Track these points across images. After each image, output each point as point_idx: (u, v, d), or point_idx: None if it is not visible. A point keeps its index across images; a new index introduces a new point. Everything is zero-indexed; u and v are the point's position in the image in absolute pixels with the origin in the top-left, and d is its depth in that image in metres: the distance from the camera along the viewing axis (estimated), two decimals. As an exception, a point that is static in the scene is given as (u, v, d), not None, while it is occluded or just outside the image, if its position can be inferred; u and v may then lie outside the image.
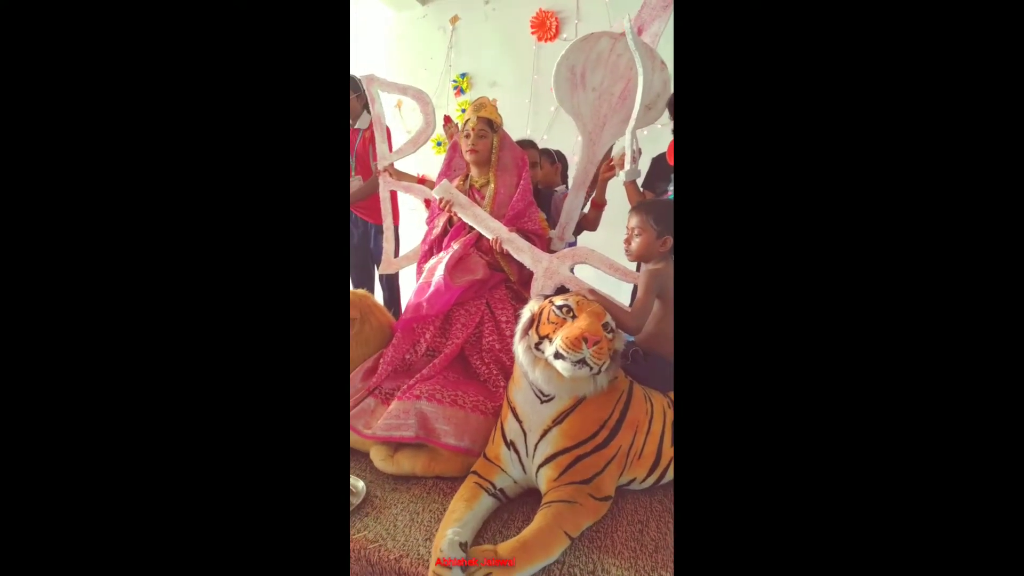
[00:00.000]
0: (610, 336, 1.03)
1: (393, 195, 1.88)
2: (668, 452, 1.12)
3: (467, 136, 1.62)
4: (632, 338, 1.24)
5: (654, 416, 1.12)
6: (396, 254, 1.90)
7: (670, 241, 1.18)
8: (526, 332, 1.06)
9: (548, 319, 1.04)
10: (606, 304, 1.08)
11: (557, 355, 0.98)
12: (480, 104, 1.65)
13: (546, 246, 1.65)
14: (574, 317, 1.01)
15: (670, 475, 1.14)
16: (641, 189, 1.67)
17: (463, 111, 3.33)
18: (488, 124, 1.62)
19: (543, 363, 1.02)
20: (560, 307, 1.03)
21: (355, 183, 2.24)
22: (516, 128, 3.22)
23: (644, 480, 1.12)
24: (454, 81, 3.32)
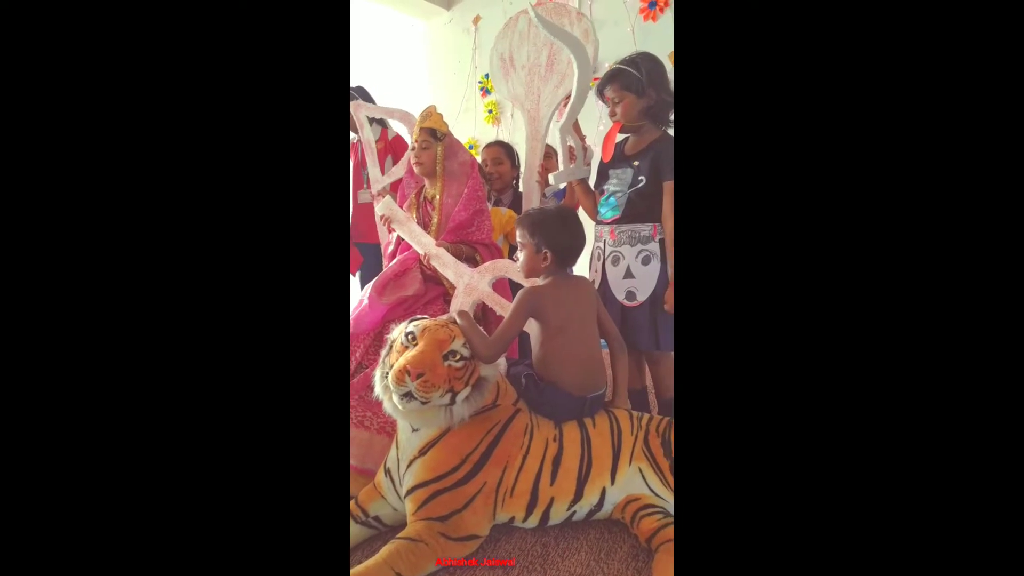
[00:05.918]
0: (458, 365, 0.95)
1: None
2: (546, 491, 1.01)
3: (413, 148, 1.60)
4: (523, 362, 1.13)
5: (530, 451, 1.02)
6: None
7: (551, 256, 1.05)
8: (382, 360, 1.02)
9: (396, 347, 0.99)
10: (466, 330, 1.00)
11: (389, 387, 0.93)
12: (426, 115, 1.62)
13: (497, 254, 1.58)
14: (416, 345, 0.95)
15: (557, 516, 1.02)
16: (594, 189, 1.51)
17: (490, 111, 3.30)
18: (431, 134, 1.58)
19: (390, 393, 0.98)
20: (407, 334, 0.98)
21: (365, 195, 2.33)
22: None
23: (525, 520, 1.02)
24: (479, 82, 3.30)
